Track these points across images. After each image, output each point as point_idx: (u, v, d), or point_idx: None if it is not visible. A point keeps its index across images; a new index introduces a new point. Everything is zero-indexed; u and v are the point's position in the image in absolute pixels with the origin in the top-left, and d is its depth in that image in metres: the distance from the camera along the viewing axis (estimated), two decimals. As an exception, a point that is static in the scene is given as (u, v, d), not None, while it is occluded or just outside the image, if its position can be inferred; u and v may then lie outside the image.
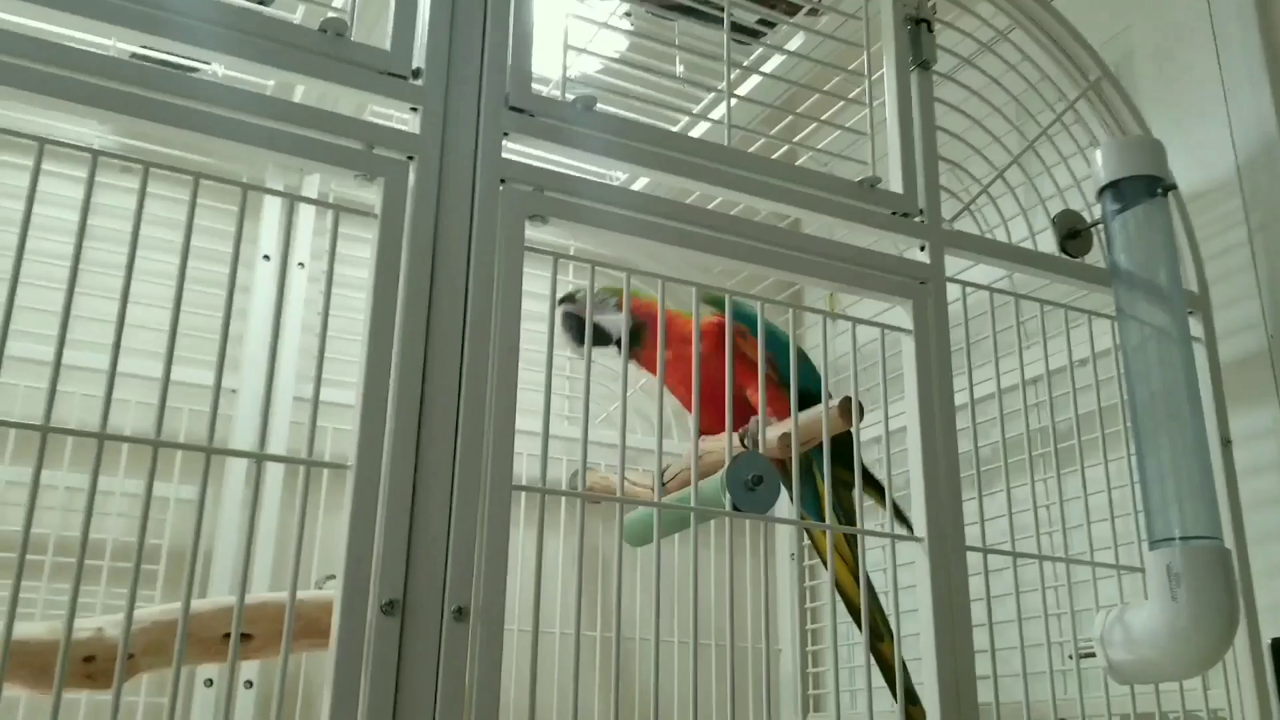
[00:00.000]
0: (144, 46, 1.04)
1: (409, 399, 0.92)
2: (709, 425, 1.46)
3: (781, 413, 1.48)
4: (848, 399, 1.32)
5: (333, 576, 1.64)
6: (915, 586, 1.12)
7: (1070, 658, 1.26)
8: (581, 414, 1.03)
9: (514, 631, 1.60)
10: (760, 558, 1.59)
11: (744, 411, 1.44)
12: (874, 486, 1.49)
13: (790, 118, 1.52)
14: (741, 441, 1.41)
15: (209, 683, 1.60)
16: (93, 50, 0.90)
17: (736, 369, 1.37)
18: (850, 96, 1.33)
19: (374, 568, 0.87)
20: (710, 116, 1.67)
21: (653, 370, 1.63)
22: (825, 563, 1.53)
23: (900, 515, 1.19)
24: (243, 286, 1.76)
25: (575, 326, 1.61)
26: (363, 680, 0.85)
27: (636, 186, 1.63)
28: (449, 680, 0.88)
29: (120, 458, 1.61)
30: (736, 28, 1.35)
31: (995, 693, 1.14)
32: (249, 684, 1.61)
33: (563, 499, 1.73)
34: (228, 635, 1.15)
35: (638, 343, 1.58)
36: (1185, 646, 1.12)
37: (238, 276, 1.76)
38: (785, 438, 1.42)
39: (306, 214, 1.81)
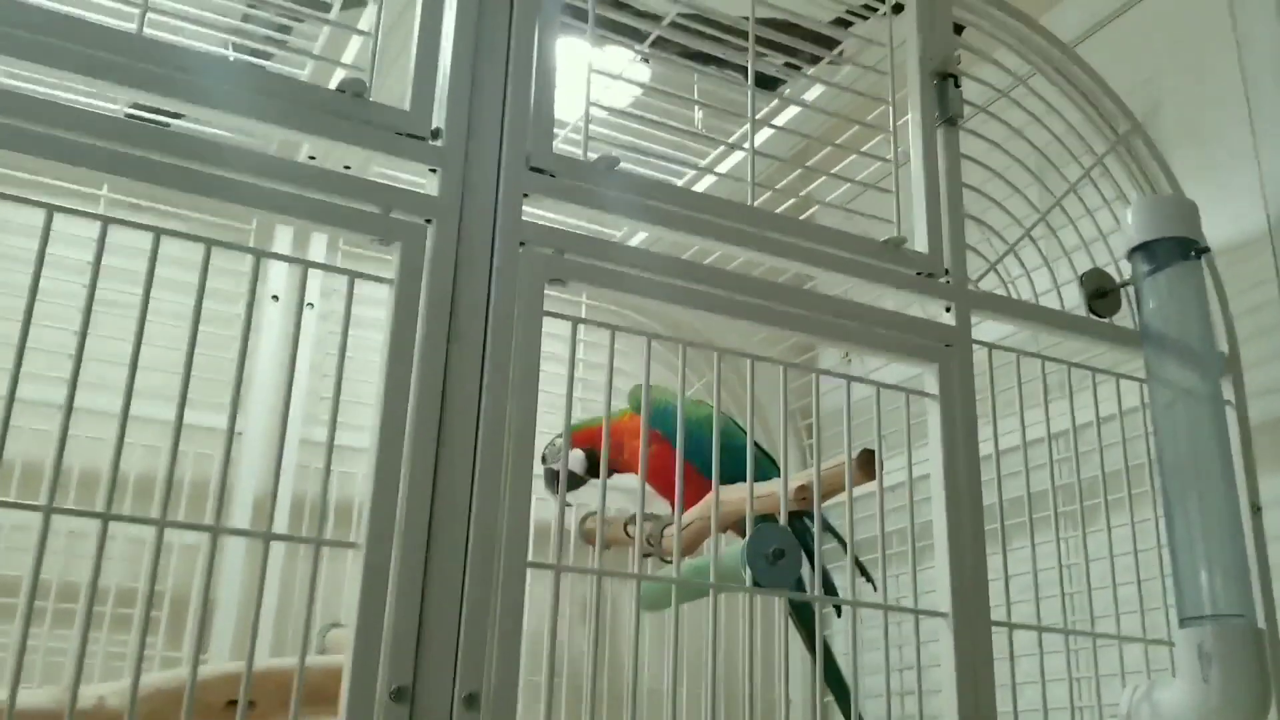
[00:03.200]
0: (139, 106, 1.02)
1: (422, 473, 0.89)
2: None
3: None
4: (866, 451, 1.29)
5: (338, 624, 1.62)
6: (938, 665, 1.09)
7: (1095, 731, 1.23)
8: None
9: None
10: (775, 626, 1.56)
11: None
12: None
13: (799, 171, 1.50)
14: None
15: None
16: (102, 113, 0.87)
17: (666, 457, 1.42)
18: (874, 153, 1.30)
19: (383, 652, 0.84)
20: (718, 170, 1.64)
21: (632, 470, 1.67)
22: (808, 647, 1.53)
23: (863, 571, 1.17)
24: (251, 328, 1.74)
25: (549, 478, 1.73)
26: (370, 771, 0.82)
27: (636, 240, 1.60)
28: (460, 770, 0.84)
29: (125, 501, 1.58)
30: (756, 78, 1.32)
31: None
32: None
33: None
34: (232, 703, 1.11)
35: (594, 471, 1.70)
36: (1217, 729, 1.08)
37: (242, 315, 1.75)
38: (799, 491, 1.39)
39: (317, 250, 1.79)
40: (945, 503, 1.13)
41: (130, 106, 1.24)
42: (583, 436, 1.71)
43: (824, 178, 1.48)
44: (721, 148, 1.63)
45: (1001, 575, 1.16)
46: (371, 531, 0.86)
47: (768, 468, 1.56)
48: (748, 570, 1.03)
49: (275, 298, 1.75)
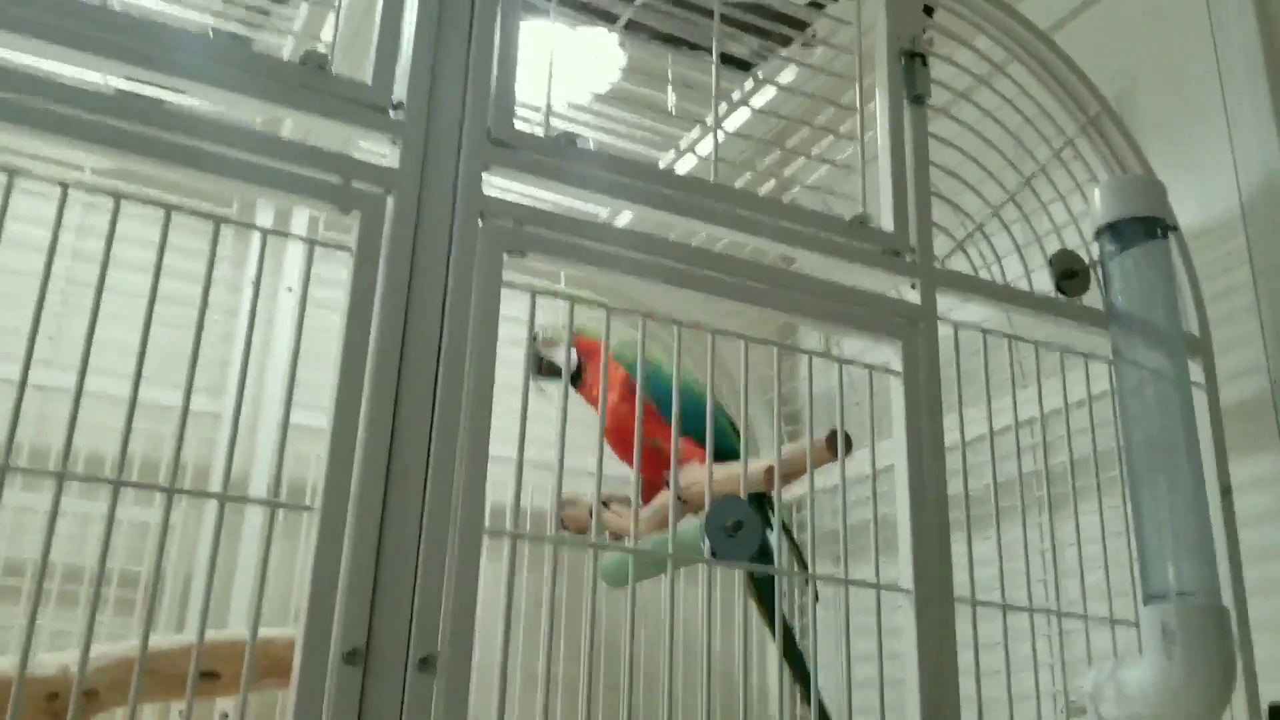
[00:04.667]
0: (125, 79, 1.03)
1: (378, 439, 0.90)
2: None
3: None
4: (834, 432, 1.30)
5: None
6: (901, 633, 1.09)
7: (1060, 712, 1.23)
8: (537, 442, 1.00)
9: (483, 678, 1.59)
10: (743, 602, 1.56)
11: (659, 461, 1.53)
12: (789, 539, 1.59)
13: (779, 152, 1.50)
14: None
15: (225, 716, 1.57)
16: (70, 83, 0.88)
17: (649, 423, 1.45)
18: (842, 131, 1.31)
19: (336, 614, 0.85)
20: (698, 151, 1.65)
21: (594, 403, 1.72)
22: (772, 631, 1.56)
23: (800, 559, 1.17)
24: (230, 310, 1.75)
25: (533, 362, 1.71)
26: (322, 731, 0.83)
27: (621, 222, 1.61)
28: (412, 732, 0.85)
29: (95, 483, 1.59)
30: (727, 60, 1.33)
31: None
32: (225, 716, 1.58)
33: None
34: (202, 674, 1.12)
35: (578, 380, 1.70)
36: (1179, 707, 1.08)
37: (225, 301, 1.76)
38: (768, 472, 1.40)
39: (298, 233, 1.80)
40: (908, 479, 1.14)
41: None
42: (583, 344, 1.70)
43: (799, 160, 1.49)
44: (697, 129, 1.63)
45: (973, 561, 1.17)
46: (327, 494, 0.87)
47: (731, 437, 1.57)
48: (706, 542, 1.03)
49: (290, 289, 1.77)
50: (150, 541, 1.62)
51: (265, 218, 1.79)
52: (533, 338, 1.65)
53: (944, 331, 1.22)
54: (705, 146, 1.66)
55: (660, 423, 1.52)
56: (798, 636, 1.66)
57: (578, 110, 1.59)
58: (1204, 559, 1.15)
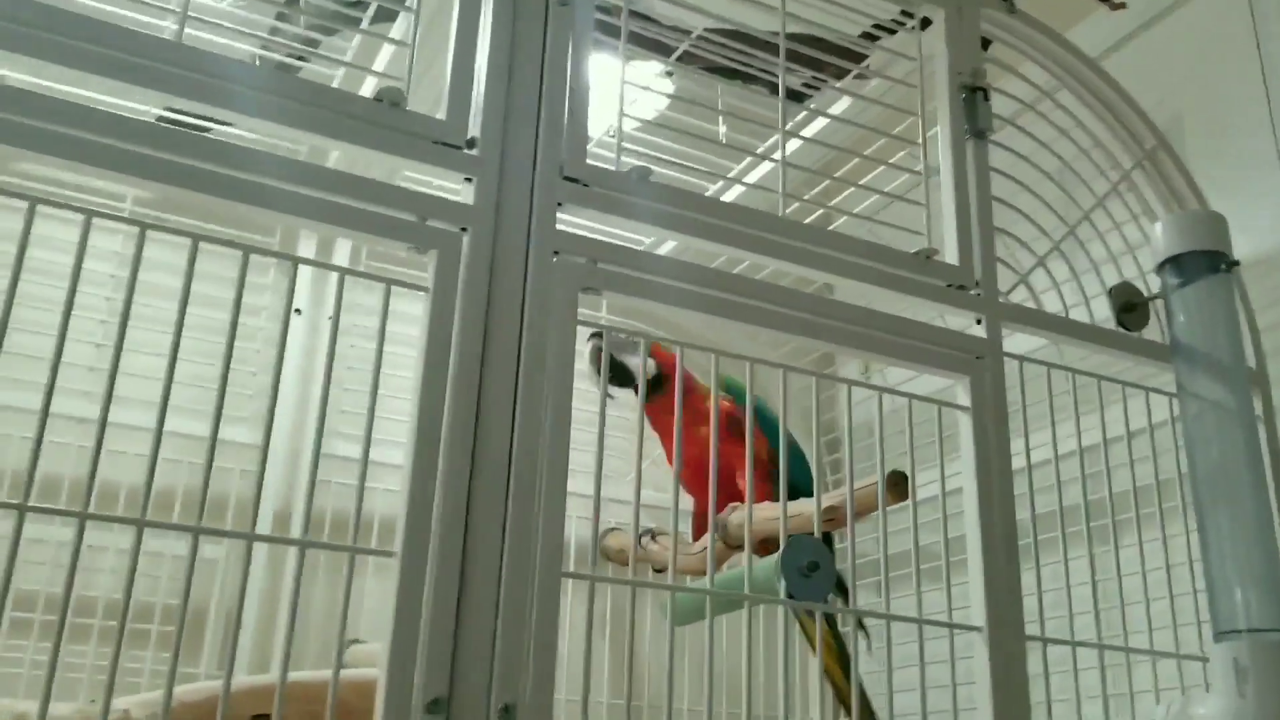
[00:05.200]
0: (174, 110, 1.02)
1: (457, 483, 0.88)
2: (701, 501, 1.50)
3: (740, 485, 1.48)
4: (896, 473, 1.28)
5: (358, 640, 1.60)
6: (973, 682, 1.07)
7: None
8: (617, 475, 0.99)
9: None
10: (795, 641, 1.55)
11: (734, 495, 1.47)
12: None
13: (827, 182, 1.50)
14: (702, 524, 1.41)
15: None
16: (140, 118, 0.87)
17: (726, 450, 1.39)
18: (893, 162, 1.30)
19: (419, 663, 0.83)
20: (746, 181, 1.64)
21: (664, 428, 1.62)
22: (814, 649, 1.51)
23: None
24: (271, 340, 1.73)
25: (599, 360, 1.56)
26: (407, 783, 0.81)
27: (664, 250, 1.59)
28: (496, 782, 0.83)
29: (116, 511, 1.57)
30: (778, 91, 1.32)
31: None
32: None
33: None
34: (256, 716, 1.11)
35: (659, 389, 1.58)
36: (1254, 745, 1.07)
37: (265, 330, 1.75)
38: (828, 511, 1.38)
39: (341, 262, 1.79)
40: (978, 514, 1.12)
41: (164, 110, 1.25)
42: (663, 356, 1.60)
43: (852, 190, 1.47)
44: (748, 159, 1.62)
45: (1035, 590, 1.15)
46: (407, 541, 0.86)
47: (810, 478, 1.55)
48: (782, 582, 1.02)
49: (298, 311, 1.75)
50: (201, 576, 1.59)
51: (308, 245, 1.78)
52: (596, 334, 1.58)
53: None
54: (754, 175, 1.65)
55: (761, 464, 1.48)
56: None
57: (628, 141, 1.57)
58: (1273, 594, 1.14)
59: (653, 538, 1.67)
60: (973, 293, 1.22)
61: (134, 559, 0.81)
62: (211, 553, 1.62)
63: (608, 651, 1.79)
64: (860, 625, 1.61)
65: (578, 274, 0.99)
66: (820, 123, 1.54)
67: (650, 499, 1.70)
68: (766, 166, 1.63)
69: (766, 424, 1.52)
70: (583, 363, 1.39)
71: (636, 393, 1.57)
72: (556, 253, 0.99)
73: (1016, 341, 1.25)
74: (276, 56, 1.46)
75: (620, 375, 1.60)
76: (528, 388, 0.94)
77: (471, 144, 0.98)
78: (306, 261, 1.59)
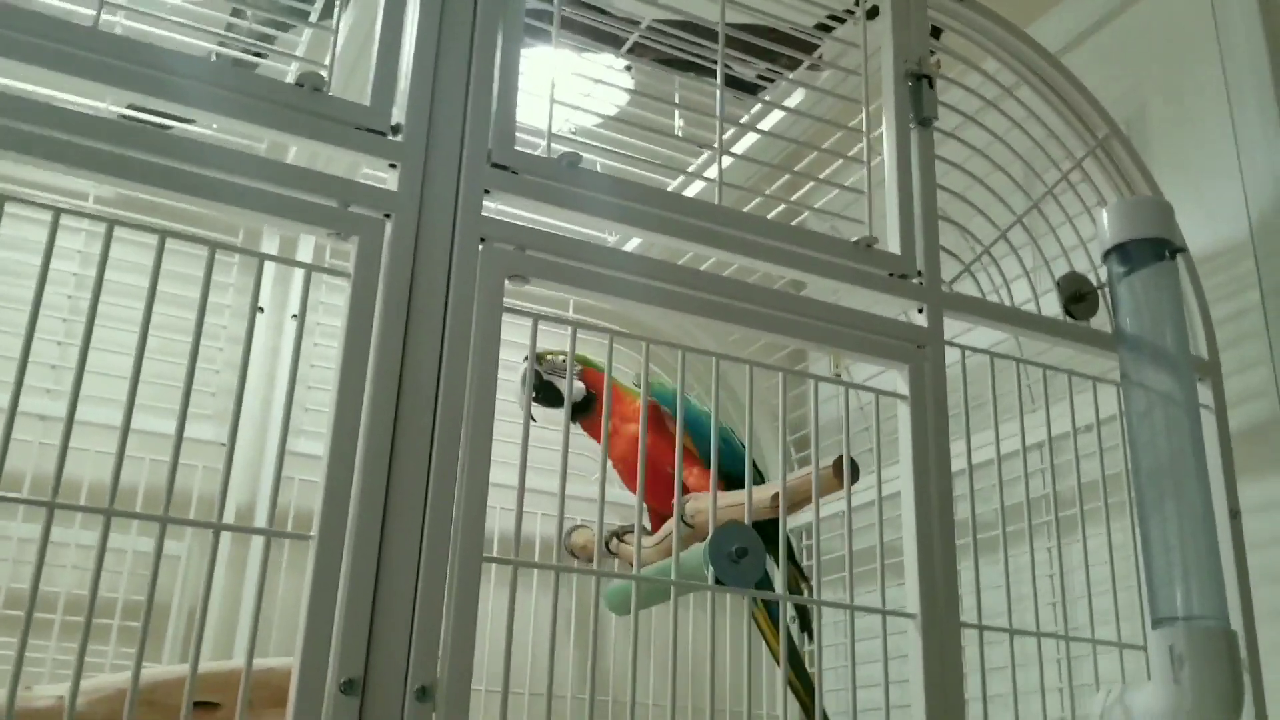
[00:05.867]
0: (129, 106, 1.03)
1: (377, 467, 0.89)
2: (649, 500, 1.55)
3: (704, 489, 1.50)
4: (840, 459, 1.28)
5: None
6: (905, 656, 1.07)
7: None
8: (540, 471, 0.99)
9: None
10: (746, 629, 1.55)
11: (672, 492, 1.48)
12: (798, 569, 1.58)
13: (787, 176, 1.50)
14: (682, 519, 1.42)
15: None
16: (70, 108, 0.88)
17: (663, 449, 1.50)
18: (849, 154, 1.30)
19: (333, 643, 0.84)
20: (706, 175, 1.64)
21: (597, 438, 1.67)
22: (778, 661, 1.52)
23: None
24: (234, 338, 1.74)
25: (536, 384, 1.65)
26: (318, 763, 0.81)
27: (630, 247, 1.60)
28: (409, 764, 0.84)
29: (134, 509, 1.58)
30: (735, 83, 1.33)
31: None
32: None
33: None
34: (199, 704, 1.11)
35: (587, 411, 1.65)
36: (1189, 731, 1.07)
37: (229, 329, 1.75)
38: (774, 499, 1.38)
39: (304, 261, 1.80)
40: (914, 502, 1.12)
41: (126, 108, 1.26)
42: (592, 376, 1.65)
43: (809, 185, 1.48)
44: (707, 153, 1.62)
45: (979, 585, 1.15)
46: (323, 523, 0.86)
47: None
48: (710, 569, 1.02)
49: (261, 309, 1.76)
50: (163, 572, 1.60)
51: (270, 246, 1.79)
52: (535, 359, 1.64)
53: (953, 357, 1.21)
54: (713, 171, 1.65)
55: (691, 455, 1.52)
56: (806, 662, 1.64)
57: (584, 136, 1.58)
58: (1212, 583, 1.14)
59: (619, 538, 1.68)
60: (914, 281, 1.22)
61: (101, 549, 0.82)
62: (174, 549, 1.62)
63: (572, 646, 1.80)
64: (805, 626, 1.62)
65: (504, 261, 1.00)
66: (775, 116, 1.54)
67: (615, 497, 1.72)
68: (727, 161, 1.63)
69: (694, 422, 1.55)
70: (514, 381, 1.41)
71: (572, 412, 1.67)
72: (483, 239, 0.99)
73: (979, 337, 1.25)
74: (233, 53, 1.47)
75: (550, 397, 1.65)
76: (450, 374, 0.94)
77: (396, 130, 0.98)
78: (271, 258, 1.60)
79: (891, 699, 1.05)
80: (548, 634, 0.96)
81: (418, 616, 0.87)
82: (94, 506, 0.83)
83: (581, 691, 1.75)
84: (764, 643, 1.54)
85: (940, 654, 1.07)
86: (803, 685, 1.53)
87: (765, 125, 1.53)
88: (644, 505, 1.60)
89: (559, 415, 1.60)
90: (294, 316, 1.75)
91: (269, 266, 1.77)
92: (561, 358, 1.65)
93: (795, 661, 1.52)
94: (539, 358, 1.66)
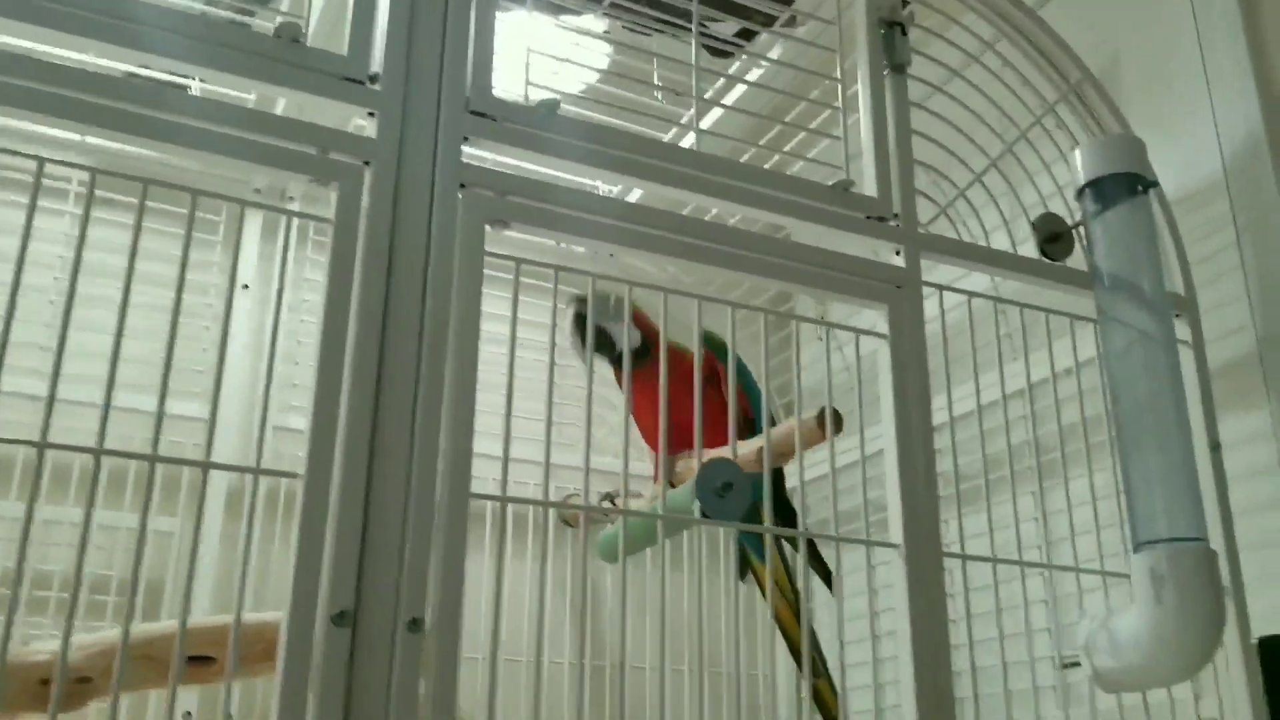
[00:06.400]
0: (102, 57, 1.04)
1: (362, 407, 0.90)
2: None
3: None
4: (824, 409, 1.30)
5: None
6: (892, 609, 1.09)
7: (1062, 667, 1.23)
8: (552, 430, 1.00)
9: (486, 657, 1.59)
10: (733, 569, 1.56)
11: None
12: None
13: (773, 128, 1.51)
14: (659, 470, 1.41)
15: (188, 715, 1.57)
16: (45, 59, 0.89)
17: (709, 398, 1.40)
18: (824, 102, 1.31)
19: (323, 577, 0.85)
20: (682, 123, 1.65)
21: (643, 394, 1.60)
22: (764, 593, 1.50)
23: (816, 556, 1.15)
24: (220, 317, 1.75)
25: (581, 329, 1.57)
26: (311, 693, 0.83)
27: (633, 198, 1.60)
28: (402, 693, 0.85)
29: (69, 486, 1.58)
30: (711, 45, 1.34)
31: (976, 711, 1.11)
32: (229, 717, 1.57)
33: (531, 517, 1.71)
34: (193, 659, 1.12)
35: (647, 356, 1.56)
36: (1171, 650, 1.08)
37: (214, 307, 1.76)
38: (760, 451, 1.40)
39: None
40: (896, 438, 1.14)
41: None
42: (644, 320, 1.56)
43: (795, 136, 1.49)
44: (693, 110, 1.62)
45: (961, 515, 1.17)
46: (311, 459, 0.87)
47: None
48: (697, 504, 1.04)
49: (245, 286, 1.77)
50: (156, 550, 1.61)
51: (253, 225, 1.80)
52: (580, 301, 1.58)
53: (936, 310, 1.23)
54: (703, 124, 1.65)
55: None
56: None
57: (572, 97, 1.58)
58: (1191, 505, 1.15)
59: (611, 500, 1.68)
60: (891, 224, 1.23)
61: (93, 488, 0.83)
62: (167, 525, 1.63)
63: (568, 611, 1.81)
64: (821, 570, 1.62)
65: (485, 206, 1.01)
66: (755, 72, 1.55)
67: (604, 465, 1.72)
68: (717, 113, 1.64)
69: (746, 379, 1.52)
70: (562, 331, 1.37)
71: (617, 362, 1.60)
72: (463, 185, 1.01)
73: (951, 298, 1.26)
74: (223, 13, 1.48)
75: (601, 343, 1.55)
76: (434, 317, 0.95)
77: (374, 79, 1.00)
78: (254, 205, 1.58)
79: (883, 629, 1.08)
80: (544, 601, 0.97)
81: (408, 550, 0.89)
82: (85, 447, 0.84)
83: (568, 650, 1.78)
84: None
85: (924, 584, 1.09)
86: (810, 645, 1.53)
87: (746, 77, 1.54)
88: (653, 459, 1.60)
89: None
90: (244, 286, 1.76)
91: (252, 245, 1.78)
92: (612, 301, 1.54)
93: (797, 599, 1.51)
94: (581, 300, 1.57)
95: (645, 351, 1.56)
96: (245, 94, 1.42)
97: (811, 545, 1.54)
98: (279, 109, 1.41)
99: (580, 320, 1.58)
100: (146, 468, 0.85)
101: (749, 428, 1.51)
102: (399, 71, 1.00)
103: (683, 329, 1.63)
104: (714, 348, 1.48)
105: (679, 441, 1.24)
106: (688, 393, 1.06)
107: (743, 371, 1.51)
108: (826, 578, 1.56)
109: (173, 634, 1.14)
